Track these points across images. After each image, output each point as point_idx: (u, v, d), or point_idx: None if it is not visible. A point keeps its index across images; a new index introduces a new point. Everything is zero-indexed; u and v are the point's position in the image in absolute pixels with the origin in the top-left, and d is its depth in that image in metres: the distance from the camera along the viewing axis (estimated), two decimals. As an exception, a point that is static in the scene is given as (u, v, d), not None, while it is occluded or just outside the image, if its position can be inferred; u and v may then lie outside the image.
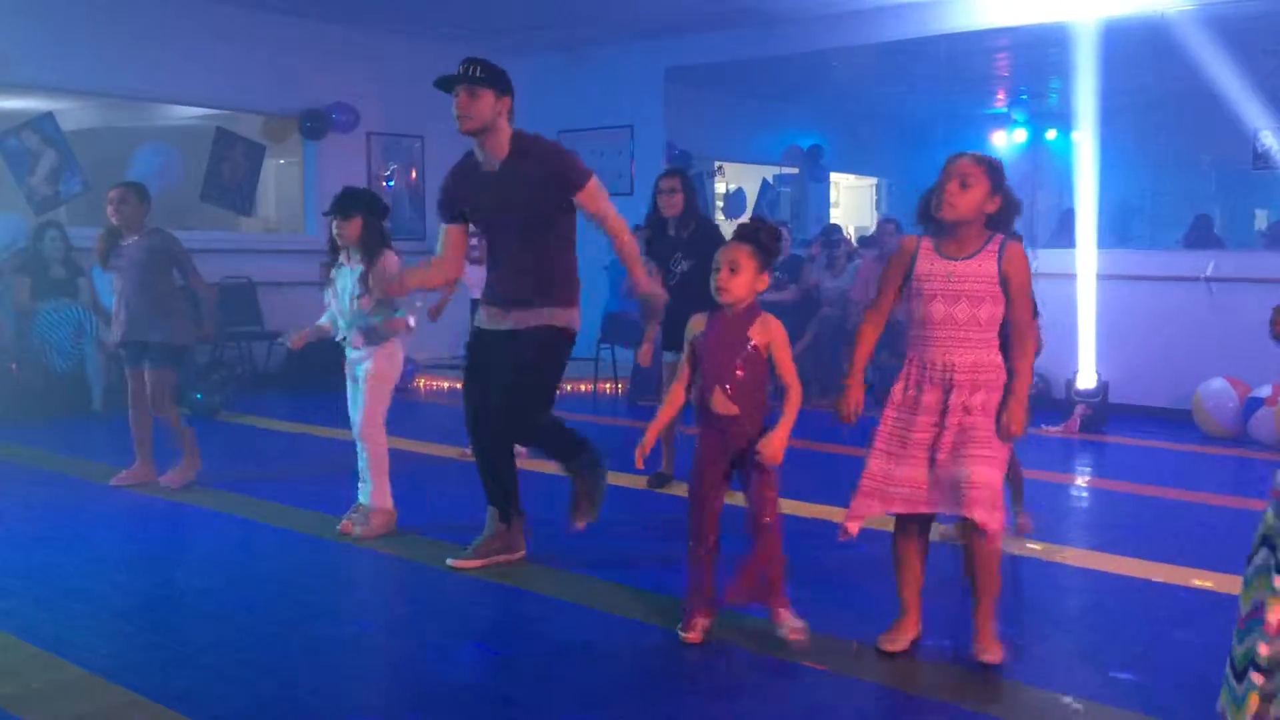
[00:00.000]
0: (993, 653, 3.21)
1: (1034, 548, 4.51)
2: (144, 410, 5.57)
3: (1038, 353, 3.41)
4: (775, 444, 3.33)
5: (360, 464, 4.78)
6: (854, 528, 3.30)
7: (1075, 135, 8.61)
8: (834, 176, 13.86)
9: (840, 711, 3.02)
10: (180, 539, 4.80)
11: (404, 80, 10.44)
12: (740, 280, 3.32)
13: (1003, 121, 13.53)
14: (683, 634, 3.43)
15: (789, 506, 5.16)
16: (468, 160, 4.23)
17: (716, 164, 12.50)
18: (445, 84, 4.06)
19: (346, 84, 9.95)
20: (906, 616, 3.38)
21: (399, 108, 10.37)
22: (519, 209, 4.06)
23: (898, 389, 3.30)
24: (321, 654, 3.48)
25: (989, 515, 3.12)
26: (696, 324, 3.46)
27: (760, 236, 3.36)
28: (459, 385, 9.48)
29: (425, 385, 9.54)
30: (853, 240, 10.81)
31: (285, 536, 4.76)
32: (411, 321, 4.75)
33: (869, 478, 3.27)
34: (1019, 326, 3.20)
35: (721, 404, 3.37)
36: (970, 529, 3.20)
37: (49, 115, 8.58)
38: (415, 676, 3.24)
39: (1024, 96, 12.40)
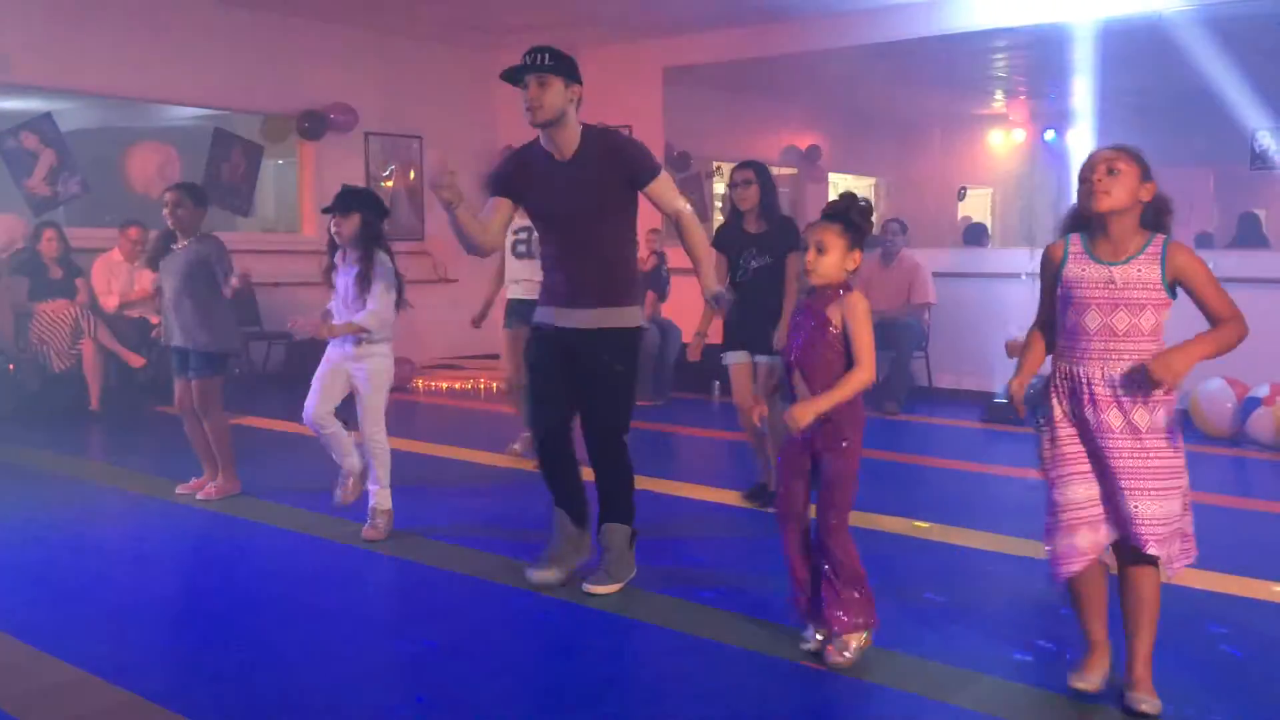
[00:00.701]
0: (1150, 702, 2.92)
1: (1032, 547, 4.51)
2: (194, 417, 5.46)
3: (1234, 346, 3.00)
4: (801, 409, 3.18)
5: (322, 440, 4.78)
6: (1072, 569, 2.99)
7: (1073, 135, 8.62)
8: (832, 177, 13.86)
9: (839, 711, 3.03)
10: (178, 539, 4.79)
11: (402, 80, 10.45)
12: (828, 260, 3.20)
13: (1001, 122, 13.56)
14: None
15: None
16: (534, 149, 3.97)
17: (714, 164, 12.50)
18: (513, 74, 3.84)
19: (344, 84, 9.95)
20: (1096, 651, 3.08)
21: (397, 108, 10.36)
22: (593, 201, 3.86)
23: (1056, 408, 2.99)
24: (320, 654, 3.47)
25: (1162, 549, 2.90)
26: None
27: (850, 214, 3.23)
28: (456, 386, 9.54)
29: (424, 385, 9.54)
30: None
31: (283, 537, 4.77)
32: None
33: (1064, 509, 2.96)
34: (1219, 320, 2.93)
35: (800, 389, 3.28)
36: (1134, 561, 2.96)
37: (47, 115, 8.58)
38: (415, 678, 3.24)
39: (1022, 97, 12.42)
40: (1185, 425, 7.11)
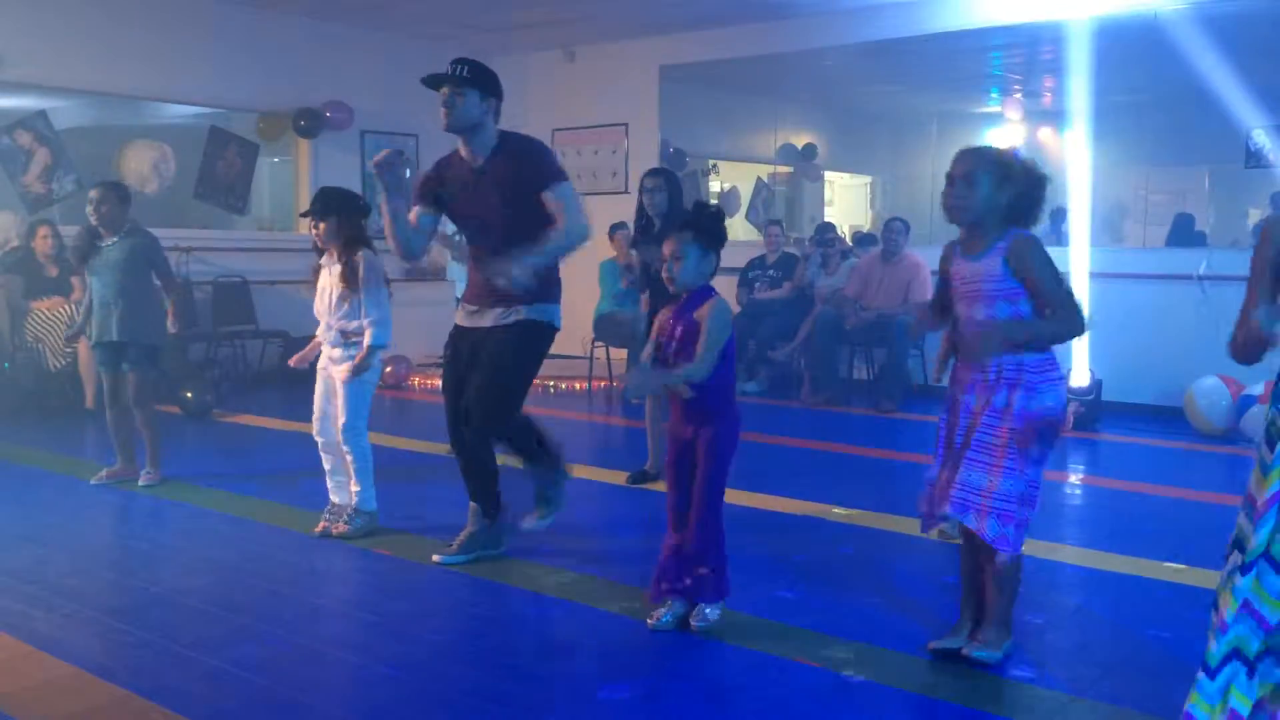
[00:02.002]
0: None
1: (1028, 545, 4.52)
2: (121, 410, 5.62)
3: (1064, 337, 3.13)
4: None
5: (326, 464, 4.78)
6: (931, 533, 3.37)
7: (1068, 133, 8.62)
8: (828, 175, 13.86)
9: (837, 711, 3.03)
10: (172, 537, 4.79)
11: (398, 78, 10.40)
12: (685, 267, 3.38)
13: (997, 120, 13.56)
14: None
15: (783, 504, 5.20)
16: (454, 156, 4.28)
17: (711, 162, 12.50)
18: (433, 82, 4.12)
19: (341, 82, 9.94)
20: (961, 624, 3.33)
21: (393, 106, 10.35)
22: (498, 206, 4.10)
23: (949, 393, 3.25)
24: (313, 652, 3.47)
25: (979, 524, 3.08)
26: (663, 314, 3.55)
27: (701, 221, 3.42)
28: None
29: (420, 383, 9.53)
30: (847, 239, 10.81)
31: (277, 534, 4.76)
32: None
33: (928, 483, 3.27)
34: (1053, 307, 3.03)
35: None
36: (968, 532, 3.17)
37: (42, 113, 8.56)
38: (407, 674, 3.24)
39: (1018, 95, 12.42)
40: (1178, 424, 7.15)
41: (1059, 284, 3.07)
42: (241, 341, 9.31)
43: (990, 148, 3.14)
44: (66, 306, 7.86)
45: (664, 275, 3.44)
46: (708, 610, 3.50)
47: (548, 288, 4.18)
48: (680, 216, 5.32)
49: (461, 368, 4.24)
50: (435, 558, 4.28)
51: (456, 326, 4.34)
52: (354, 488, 4.72)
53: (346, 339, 4.66)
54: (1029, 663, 3.31)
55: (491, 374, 4.12)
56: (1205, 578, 4.07)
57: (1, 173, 8.43)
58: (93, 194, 5.49)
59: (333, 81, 9.88)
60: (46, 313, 7.84)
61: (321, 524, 4.73)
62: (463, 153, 4.21)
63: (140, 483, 5.57)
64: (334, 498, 4.81)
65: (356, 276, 4.56)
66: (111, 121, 10.43)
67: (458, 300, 6.06)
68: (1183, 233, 9.86)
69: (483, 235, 4.24)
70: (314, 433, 4.79)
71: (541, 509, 4.33)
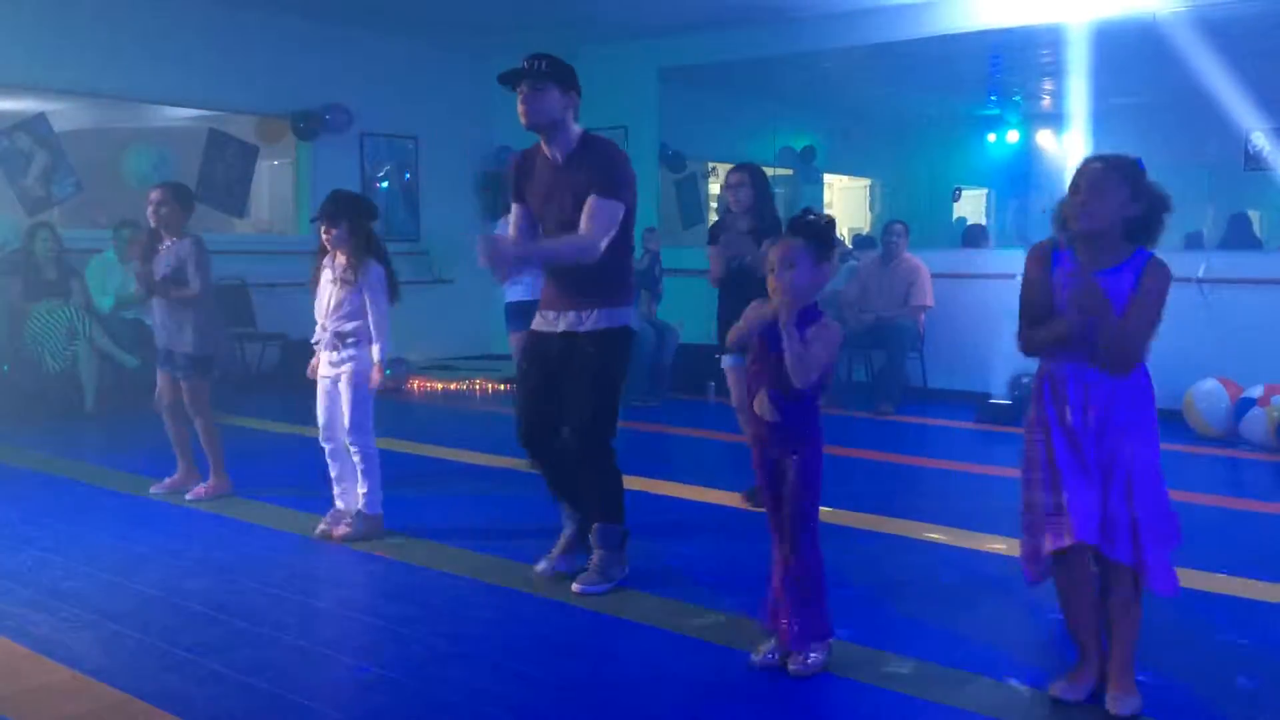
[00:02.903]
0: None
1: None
2: (174, 414, 5.49)
3: (1121, 369, 2.93)
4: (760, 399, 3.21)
5: (333, 471, 4.78)
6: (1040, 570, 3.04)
7: (1067, 136, 8.63)
8: (827, 178, 13.87)
9: (835, 711, 3.03)
10: (172, 540, 4.78)
11: (398, 81, 10.44)
12: (798, 276, 3.06)
13: (996, 123, 13.57)
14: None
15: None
16: (536, 151, 4.09)
17: (710, 165, 12.50)
18: (510, 79, 3.92)
19: (340, 85, 9.94)
20: (1083, 658, 3.05)
21: (392, 108, 10.36)
22: (572, 207, 3.92)
23: (1039, 410, 2.99)
24: (313, 656, 3.47)
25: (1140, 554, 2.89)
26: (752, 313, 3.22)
27: (815, 227, 3.12)
28: (451, 387, 9.54)
29: (419, 386, 9.54)
30: (847, 242, 10.82)
31: (278, 538, 4.76)
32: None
33: (1037, 510, 2.98)
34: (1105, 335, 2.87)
35: (761, 407, 3.22)
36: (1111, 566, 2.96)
37: (42, 116, 8.57)
38: (409, 678, 3.24)
39: (1017, 98, 12.43)
40: (1177, 427, 7.15)
41: (1145, 323, 2.90)
42: (241, 344, 9.30)
43: (1123, 157, 2.95)
44: (66, 309, 7.86)
45: (771, 282, 3.10)
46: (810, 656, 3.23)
47: (620, 291, 4.01)
48: (773, 216, 5.11)
49: (538, 376, 4.06)
50: (575, 588, 3.97)
51: (532, 332, 4.15)
52: (360, 490, 4.71)
53: (343, 340, 4.65)
54: (1030, 665, 3.30)
55: (584, 386, 3.94)
56: (1205, 580, 4.08)
57: (1, 175, 8.43)
58: (153, 195, 5.28)
59: (332, 84, 9.88)
60: (45, 315, 7.83)
61: (322, 526, 4.73)
62: (544, 150, 4.03)
63: (188, 497, 5.38)
64: (339, 504, 4.80)
65: (358, 282, 4.56)
66: (111, 124, 10.44)
67: (508, 306, 6.00)
68: (1239, 233, 9.80)
69: (558, 235, 4.01)
70: (320, 439, 4.78)
71: (593, 578, 3.98)
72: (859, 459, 6.50)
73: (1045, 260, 3.00)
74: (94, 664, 3.28)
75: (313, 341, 4.83)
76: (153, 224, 5.32)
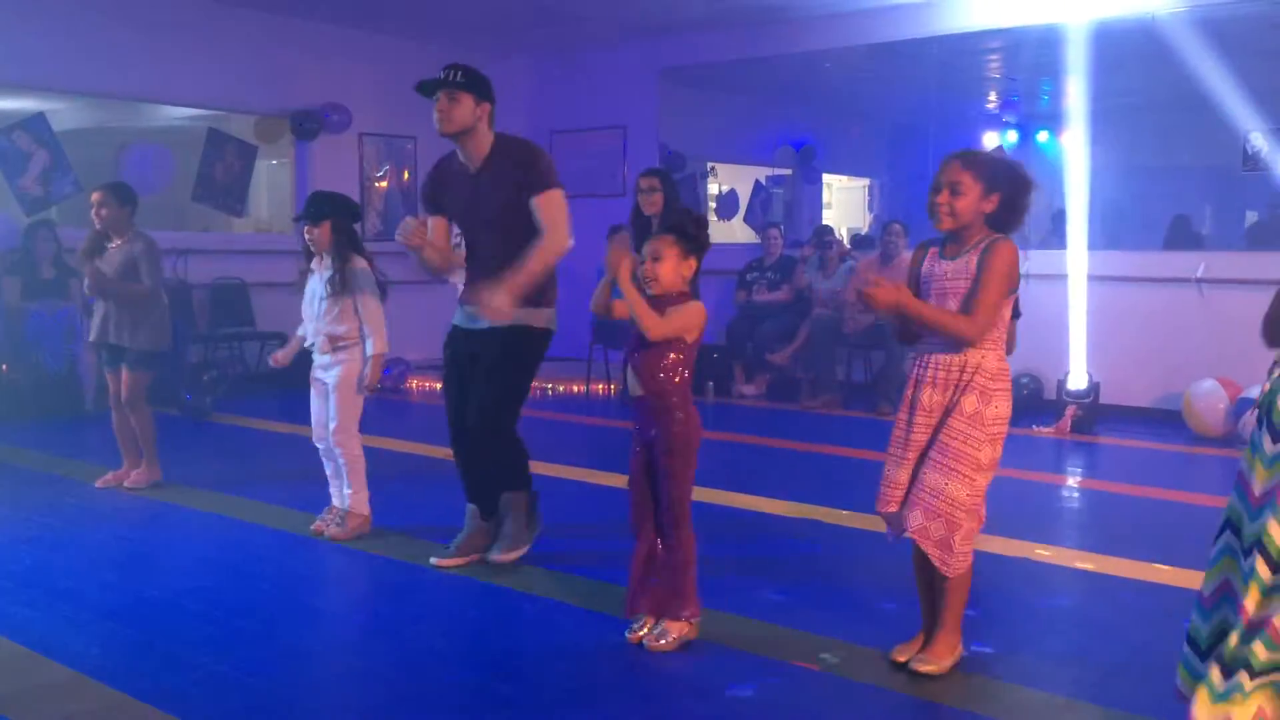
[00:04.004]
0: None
1: (1017, 546, 4.52)
2: (122, 412, 5.61)
3: (1009, 352, 3.22)
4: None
5: (329, 470, 4.81)
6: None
7: (1066, 136, 8.63)
8: (826, 177, 13.88)
9: (832, 711, 3.03)
10: (170, 539, 4.79)
11: (396, 80, 10.36)
12: (664, 268, 3.34)
13: (994, 123, 13.57)
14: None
15: (781, 507, 5.20)
16: (451, 158, 4.29)
17: (709, 165, 12.51)
18: (426, 89, 4.14)
19: (339, 84, 9.94)
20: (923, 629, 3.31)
21: (391, 108, 10.34)
22: (494, 210, 4.13)
23: (907, 390, 3.23)
24: (311, 654, 3.48)
25: (923, 526, 3.07)
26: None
27: (684, 227, 3.41)
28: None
29: (418, 386, 9.53)
30: (845, 241, 10.82)
31: (275, 537, 4.76)
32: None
33: (884, 484, 3.26)
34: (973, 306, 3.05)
35: (631, 384, 3.42)
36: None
37: (40, 115, 8.56)
38: (405, 676, 3.24)
39: (1015, 98, 12.44)
40: (1176, 427, 7.15)
41: (996, 296, 3.04)
42: (239, 343, 9.30)
43: (978, 153, 3.18)
44: (64, 309, 7.85)
45: (643, 276, 3.36)
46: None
47: (542, 291, 4.17)
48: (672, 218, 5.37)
49: (461, 370, 4.26)
50: (432, 560, 4.28)
51: (454, 328, 4.35)
52: (346, 490, 4.72)
53: (335, 344, 4.65)
54: (1027, 666, 3.31)
55: (489, 379, 4.14)
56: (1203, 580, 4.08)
57: (0, 175, 8.43)
58: (94, 196, 5.48)
59: (330, 83, 9.87)
60: (44, 315, 7.82)
61: (317, 523, 4.75)
62: (460, 156, 4.23)
63: (126, 484, 5.57)
64: (335, 502, 4.82)
65: (347, 285, 4.57)
66: (110, 123, 10.44)
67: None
68: (1180, 234, 9.87)
69: (480, 238, 4.25)
70: (314, 439, 4.80)
71: (507, 549, 4.26)
72: (859, 459, 6.50)
73: (920, 255, 3.26)
74: (93, 663, 3.28)
75: (299, 334, 4.84)
76: (97, 225, 5.48)
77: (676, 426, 3.36)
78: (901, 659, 3.24)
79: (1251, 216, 11.00)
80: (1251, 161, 9.11)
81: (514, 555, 4.25)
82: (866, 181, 14.52)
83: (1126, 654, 3.42)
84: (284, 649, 3.47)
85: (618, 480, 5.68)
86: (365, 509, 4.72)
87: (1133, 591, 4.05)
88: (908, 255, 8.55)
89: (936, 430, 3.12)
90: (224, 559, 4.45)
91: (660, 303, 3.35)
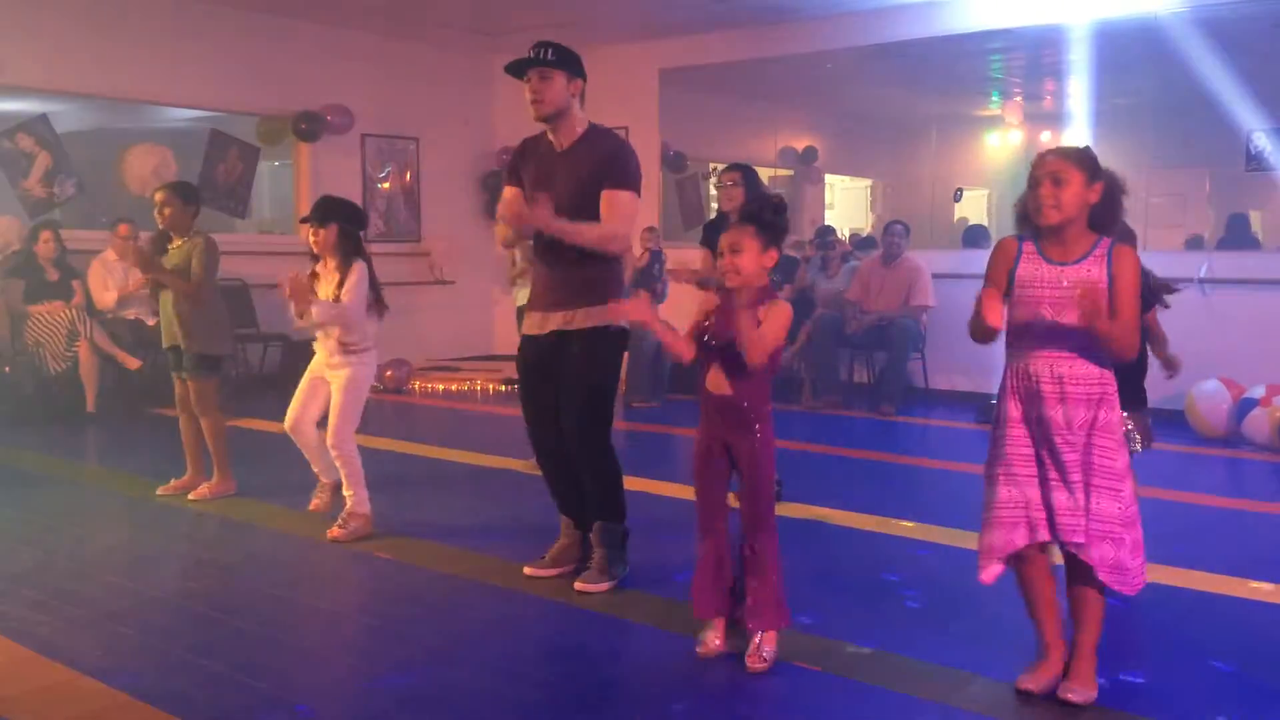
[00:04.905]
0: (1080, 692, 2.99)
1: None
2: (188, 417, 5.48)
3: (1129, 358, 2.94)
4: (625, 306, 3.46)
5: (306, 454, 4.92)
6: (997, 570, 3.04)
7: (1068, 136, 8.61)
8: (828, 178, 13.86)
9: (834, 712, 3.03)
10: (173, 541, 4.79)
11: (399, 82, 10.44)
12: (744, 260, 3.17)
13: (997, 123, 13.55)
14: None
15: (783, 509, 5.19)
16: (542, 138, 4.08)
17: (711, 165, 12.49)
18: (517, 68, 3.93)
19: (341, 86, 9.94)
20: (1050, 654, 3.08)
21: (394, 109, 10.36)
22: (570, 195, 3.89)
23: (1009, 406, 3.00)
24: (314, 656, 3.48)
25: (1114, 556, 2.88)
26: (707, 303, 3.34)
27: (762, 214, 3.24)
28: (453, 388, 9.55)
29: (420, 387, 9.54)
30: (847, 242, 10.82)
31: (280, 539, 4.76)
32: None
33: (1002, 506, 2.99)
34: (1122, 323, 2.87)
35: (715, 383, 3.28)
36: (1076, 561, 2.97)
37: (43, 117, 8.57)
38: (411, 678, 3.24)
39: (1018, 98, 12.42)
40: (1179, 427, 7.15)
41: (1136, 304, 2.93)
42: (243, 345, 9.30)
43: (1077, 147, 2.99)
44: (67, 311, 7.86)
45: (721, 268, 3.21)
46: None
47: (610, 290, 3.94)
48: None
49: (535, 377, 4.06)
50: (526, 570, 4.11)
51: (524, 337, 4.13)
52: (347, 493, 4.72)
53: (344, 349, 4.67)
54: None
55: (580, 386, 3.93)
56: (1205, 581, 4.08)
57: (2, 177, 8.44)
58: (157, 196, 5.31)
59: (333, 85, 9.88)
60: (46, 316, 7.84)
61: (315, 501, 4.87)
62: (549, 136, 4.03)
63: (191, 496, 5.36)
64: (323, 477, 4.96)
65: (346, 281, 4.59)
66: (113, 125, 10.45)
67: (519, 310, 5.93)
68: (1238, 234, 9.78)
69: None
70: (285, 425, 4.87)
71: (595, 577, 3.96)
72: (861, 459, 6.50)
73: (1009, 254, 3.02)
74: (95, 664, 3.28)
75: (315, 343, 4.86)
76: (160, 225, 5.34)
77: (763, 429, 3.25)
78: (1028, 687, 3.03)
79: (1255, 217, 10.97)
80: (1254, 161, 9.09)
81: (596, 589, 3.92)
82: (869, 182, 14.51)
83: (1132, 654, 3.41)
84: (287, 651, 3.47)
85: (633, 484, 5.70)
86: (365, 508, 4.72)
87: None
88: (910, 256, 8.62)
89: (1081, 449, 2.91)
90: (227, 560, 4.45)
91: (743, 296, 3.14)
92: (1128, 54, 8.52)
